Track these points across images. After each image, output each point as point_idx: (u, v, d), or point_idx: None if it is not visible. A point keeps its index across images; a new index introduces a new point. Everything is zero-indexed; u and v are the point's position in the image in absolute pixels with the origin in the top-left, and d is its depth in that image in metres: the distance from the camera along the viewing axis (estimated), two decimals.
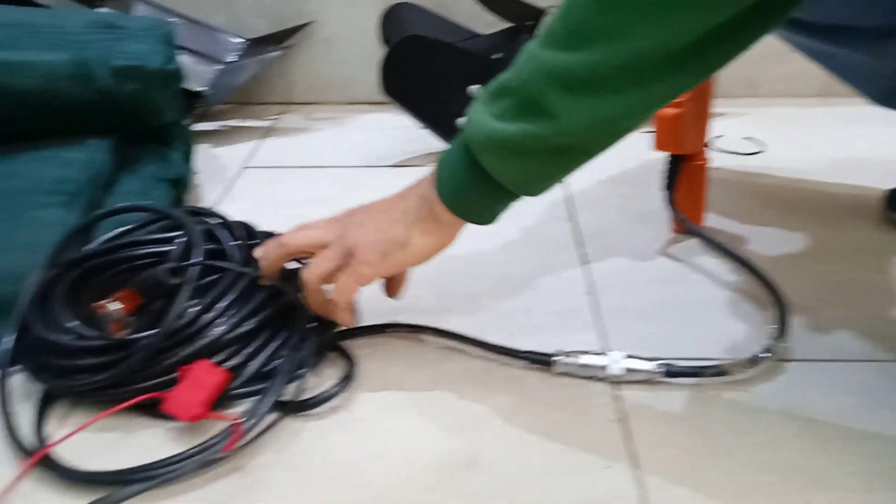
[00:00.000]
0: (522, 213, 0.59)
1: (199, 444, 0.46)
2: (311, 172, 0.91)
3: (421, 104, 0.89)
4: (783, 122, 1.00)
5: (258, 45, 1.03)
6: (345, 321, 0.55)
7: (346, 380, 0.53)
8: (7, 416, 0.49)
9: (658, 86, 0.44)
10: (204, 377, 0.47)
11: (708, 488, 0.45)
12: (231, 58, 1.00)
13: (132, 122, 0.73)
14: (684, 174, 0.68)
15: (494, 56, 0.89)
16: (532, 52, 0.45)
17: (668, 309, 0.62)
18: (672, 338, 0.58)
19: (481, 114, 0.48)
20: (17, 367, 0.53)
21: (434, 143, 0.93)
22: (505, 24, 0.97)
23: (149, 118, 0.74)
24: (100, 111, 0.70)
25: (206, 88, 0.95)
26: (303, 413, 0.51)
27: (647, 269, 0.68)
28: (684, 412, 0.51)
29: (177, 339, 0.49)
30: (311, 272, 0.53)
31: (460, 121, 0.89)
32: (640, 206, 0.78)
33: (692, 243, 0.71)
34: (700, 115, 0.67)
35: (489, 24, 1.01)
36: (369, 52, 1.09)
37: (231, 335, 0.50)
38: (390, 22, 1.00)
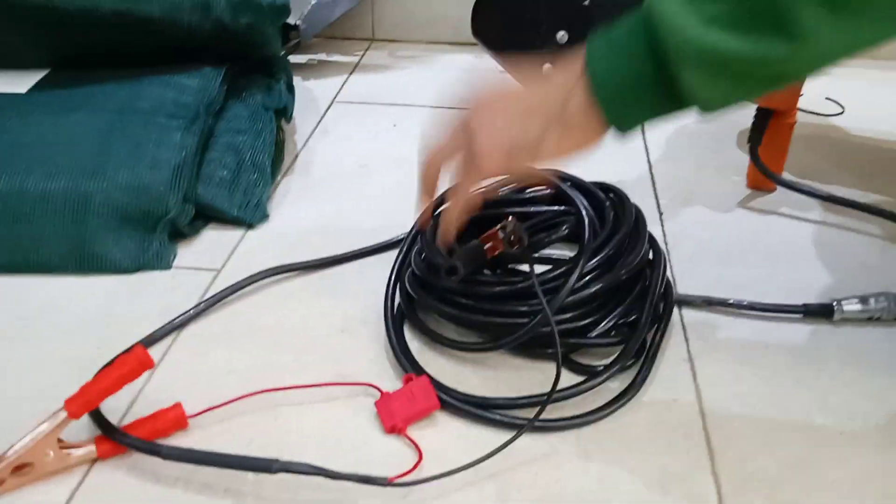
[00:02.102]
0: (599, 158, 0.61)
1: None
2: (397, 110, 0.95)
3: (509, 49, 0.91)
4: (864, 84, 0.99)
5: None
6: (451, 222, 0.50)
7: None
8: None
9: None
10: (419, 395, 0.48)
11: (768, 423, 0.49)
12: None
13: (242, 52, 0.77)
14: (770, 130, 0.69)
15: (585, 2, 0.90)
16: None
17: (744, 255, 0.65)
18: (746, 283, 0.61)
19: (685, 15, 0.39)
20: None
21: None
22: None
23: (257, 49, 0.78)
24: (214, 41, 0.74)
25: (300, 22, 0.99)
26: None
27: (724, 219, 0.71)
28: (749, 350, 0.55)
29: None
30: (429, 150, 0.49)
31: (546, 67, 0.91)
32: (718, 161, 0.80)
33: (768, 198, 0.73)
34: None
35: None
36: None
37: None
38: None
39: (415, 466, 0.45)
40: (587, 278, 0.52)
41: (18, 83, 0.76)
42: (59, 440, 0.45)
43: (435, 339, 0.55)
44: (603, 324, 0.53)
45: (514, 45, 0.90)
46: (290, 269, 0.64)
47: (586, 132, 0.45)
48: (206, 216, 0.70)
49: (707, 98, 0.42)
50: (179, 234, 0.68)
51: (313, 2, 1.00)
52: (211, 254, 0.67)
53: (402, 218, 0.64)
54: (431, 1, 1.13)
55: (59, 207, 0.63)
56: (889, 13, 0.36)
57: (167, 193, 0.65)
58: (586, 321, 0.53)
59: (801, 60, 0.38)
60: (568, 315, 0.51)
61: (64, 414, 0.44)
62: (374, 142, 0.87)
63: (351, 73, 1.05)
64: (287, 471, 0.43)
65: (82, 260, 0.63)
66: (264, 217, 0.71)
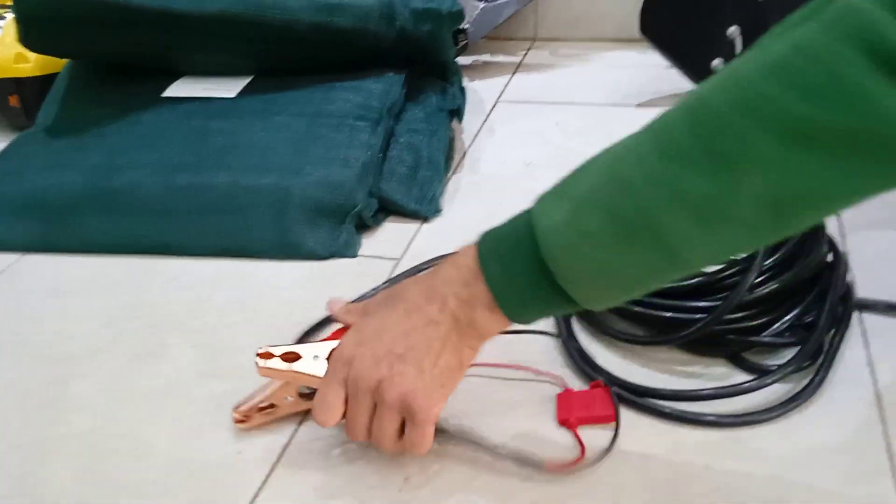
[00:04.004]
0: None
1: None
2: (560, 108, 0.98)
3: (676, 44, 0.91)
4: None
5: None
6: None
7: None
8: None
9: (796, 225, 0.38)
10: (600, 403, 0.50)
11: None
12: None
13: (420, 57, 0.83)
14: None
15: None
16: (651, 166, 0.38)
17: None
18: None
19: (566, 229, 0.40)
20: None
21: (680, 84, 0.95)
22: None
23: (435, 54, 0.84)
24: (397, 48, 0.80)
25: (468, 26, 1.04)
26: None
27: None
28: None
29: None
30: (381, 440, 0.46)
31: (715, 62, 0.90)
32: None
33: None
34: None
35: None
36: None
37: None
38: None
39: (577, 460, 0.47)
40: (763, 277, 0.53)
41: (227, 88, 0.86)
42: (298, 390, 0.52)
43: (602, 331, 0.58)
44: (778, 324, 0.53)
45: (684, 41, 0.90)
46: None
47: (494, 330, 0.45)
48: (386, 209, 0.77)
49: (600, 303, 0.43)
50: (364, 225, 0.75)
51: (481, 6, 1.05)
52: (391, 244, 0.73)
53: None
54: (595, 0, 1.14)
55: (265, 200, 0.72)
56: (753, 230, 0.37)
57: (356, 188, 0.72)
58: (760, 320, 0.53)
59: (679, 268, 0.40)
60: (741, 314, 0.52)
61: None
62: (537, 140, 0.90)
63: (514, 73, 1.09)
64: (444, 430, 0.47)
65: (283, 247, 0.71)
66: (438, 211, 0.77)
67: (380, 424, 0.46)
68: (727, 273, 0.53)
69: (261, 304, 0.66)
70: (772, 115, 0.34)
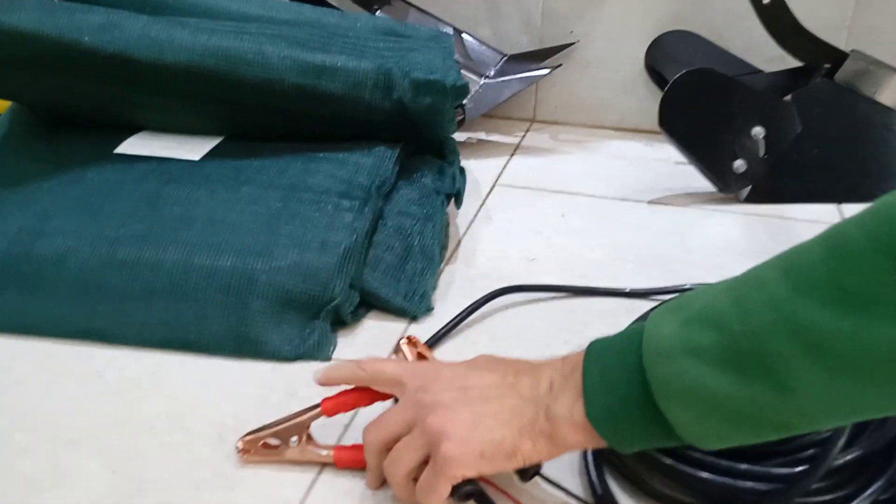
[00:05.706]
0: None
1: None
2: (562, 198, 0.89)
3: (696, 140, 0.83)
4: None
5: (517, 61, 1.02)
6: None
7: None
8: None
9: None
10: None
11: None
12: (491, 72, 1.00)
13: (418, 133, 0.73)
14: None
15: (786, 97, 0.81)
16: (775, 291, 0.34)
17: None
18: None
19: (673, 340, 0.36)
20: None
21: (694, 182, 0.87)
22: (795, 63, 0.88)
23: (433, 130, 0.74)
24: (392, 120, 0.71)
25: (467, 102, 0.95)
26: None
27: None
28: None
29: None
30: (380, 442, 0.44)
31: (737, 164, 0.83)
32: None
33: None
34: None
35: (769, 59, 0.93)
36: (626, 78, 1.05)
37: None
38: (660, 49, 0.96)
39: None
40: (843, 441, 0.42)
41: (191, 148, 0.75)
42: (309, 435, 0.48)
43: (644, 492, 0.46)
44: (859, 499, 0.42)
45: (704, 138, 0.82)
46: None
47: (568, 436, 0.40)
48: (368, 304, 0.65)
49: (702, 437, 0.37)
50: (341, 322, 0.63)
51: (482, 82, 0.97)
52: (372, 346, 0.61)
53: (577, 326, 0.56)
54: (601, 85, 1.07)
55: (223, 286, 0.59)
56: (879, 387, 0.32)
57: (334, 278, 0.60)
58: (836, 494, 0.42)
59: (794, 412, 0.35)
60: (822, 484, 0.41)
61: (318, 409, 0.47)
62: (540, 233, 0.80)
63: (512, 155, 1.00)
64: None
65: (241, 343, 0.59)
66: (429, 310, 0.65)
67: (400, 447, 0.42)
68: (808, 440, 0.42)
69: (201, 419, 0.53)
70: None
